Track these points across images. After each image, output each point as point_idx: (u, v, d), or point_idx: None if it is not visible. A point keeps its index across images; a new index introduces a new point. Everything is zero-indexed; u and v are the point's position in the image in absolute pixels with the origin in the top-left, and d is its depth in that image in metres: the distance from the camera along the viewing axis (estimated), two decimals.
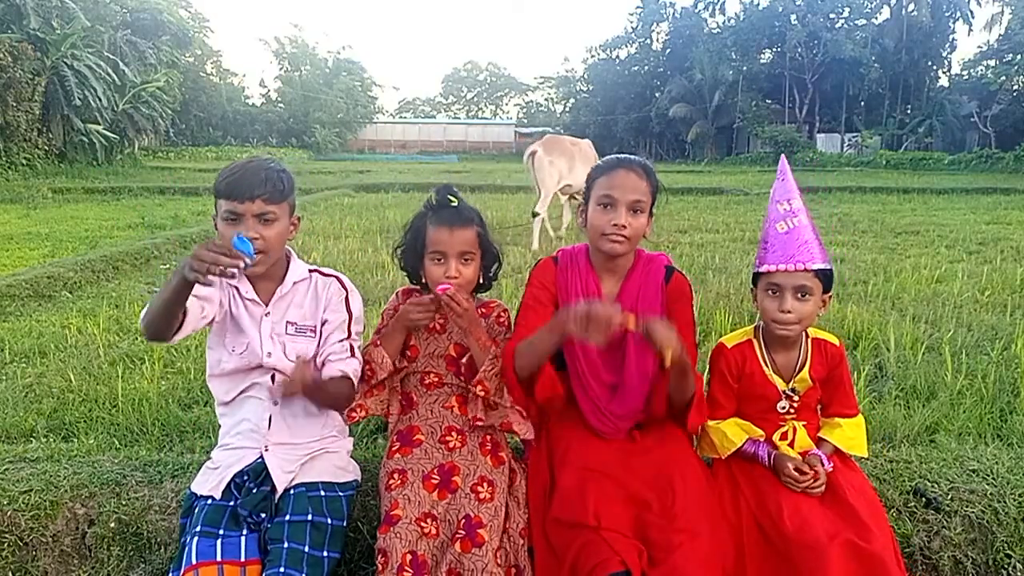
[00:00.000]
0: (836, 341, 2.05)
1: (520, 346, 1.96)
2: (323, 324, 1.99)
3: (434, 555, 1.77)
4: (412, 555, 1.74)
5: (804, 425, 2.04)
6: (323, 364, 1.96)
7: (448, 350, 2.05)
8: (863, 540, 1.70)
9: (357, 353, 2.00)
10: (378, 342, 2.02)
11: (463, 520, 1.81)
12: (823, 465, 1.90)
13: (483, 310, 2.09)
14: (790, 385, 2.01)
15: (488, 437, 2.01)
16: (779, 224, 1.93)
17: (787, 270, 1.90)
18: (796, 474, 1.87)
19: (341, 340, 1.98)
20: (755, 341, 2.05)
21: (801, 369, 2.01)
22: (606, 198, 1.96)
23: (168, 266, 6.63)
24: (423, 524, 1.80)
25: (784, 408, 2.02)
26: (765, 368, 2.01)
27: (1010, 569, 2.13)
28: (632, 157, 2.05)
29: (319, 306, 2.00)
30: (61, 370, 3.52)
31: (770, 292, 1.94)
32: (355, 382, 1.97)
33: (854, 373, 3.25)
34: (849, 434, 2.01)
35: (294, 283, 1.99)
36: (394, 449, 2.01)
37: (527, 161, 8.45)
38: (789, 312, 1.90)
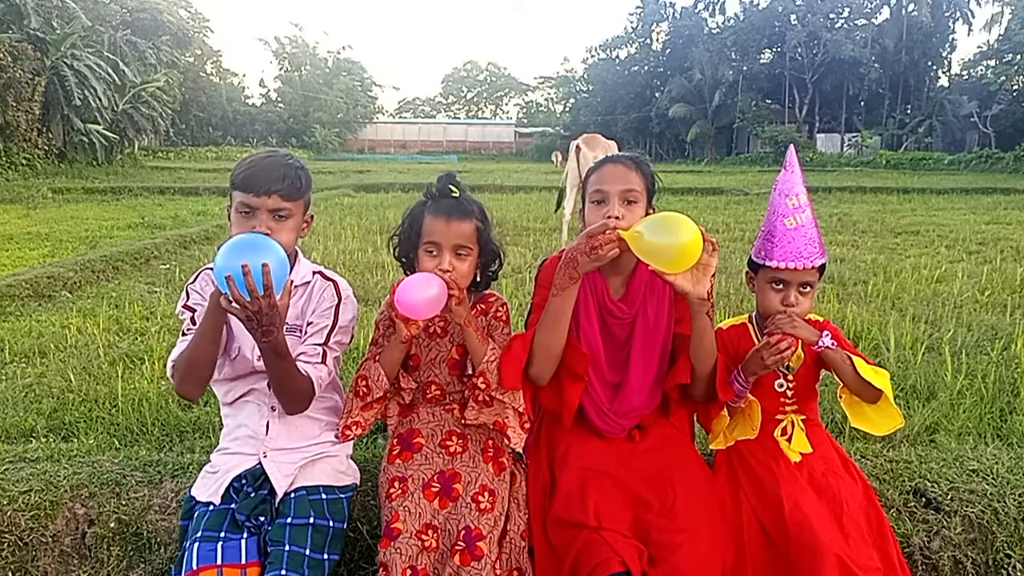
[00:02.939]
0: (820, 318, 2.07)
1: (538, 327, 1.92)
2: (307, 324, 1.95)
3: (435, 568, 1.75)
4: (412, 570, 1.73)
5: (804, 420, 2.04)
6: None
7: (451, 353, 1.99)
8: (858, 566, 1.69)
9: (329, 362, 1.94)
10: (376, 357, 1.95)
11: (463, 531, 1.78)
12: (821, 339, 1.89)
13: (482, 305, 2.02)
14: (784, 364, 2.02)
15: (490, 442, 1.96)
16: (788, 220, 1.92)
17: (795, 268, 1.91)
18: (762, 352, 1.86)
19: (317, 344, 1.92)
20: (749, 325, 2.09)
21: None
22: (597, 194, 1.94)
23: (168, 266, 6.62)
24: (424, 537, 1.78)
25: (782, 386, 2.03)
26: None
27: (1010, 569, 2.13)
28: (623, 153, 2.04)
29: (311, 307, 1.96)
30: (61, 370, 3.52)
31: (774, 285, 1.95)
32: (316, 388, 1.90)
33: None
34: (876, 418, 1.99)
35: (295, 285, 1.93)
36: (394, 453, 1.97)
37: (572, 157, 8.57)
38: (794, 306, 1.93)
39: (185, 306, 1.91)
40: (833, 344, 1.90)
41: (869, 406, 1.97)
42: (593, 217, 1.93)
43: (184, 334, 1.88)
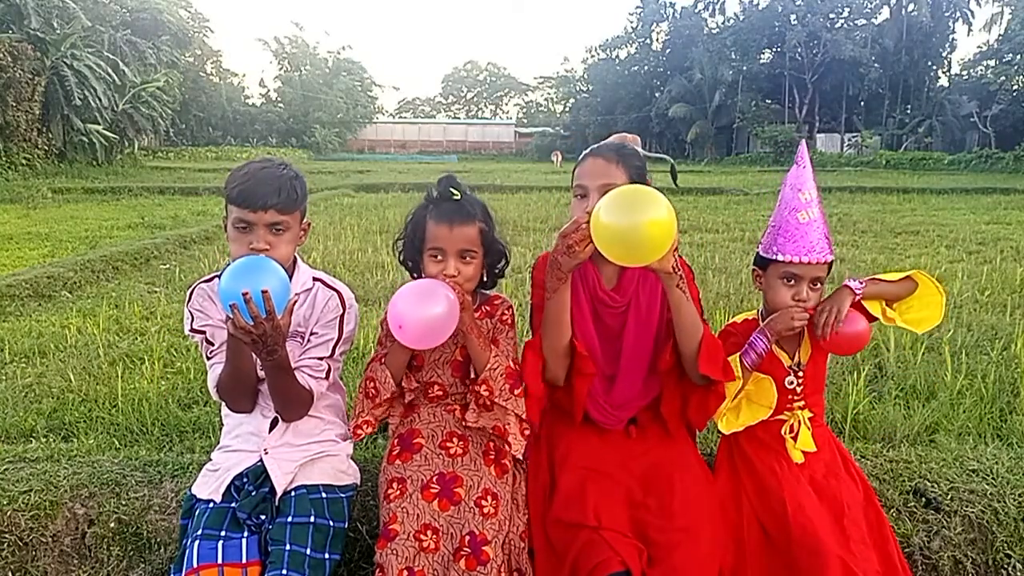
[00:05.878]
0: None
1: (541, 332, 1.92)
2: (311, 334, 1.94)
3: (434, 570, 1.74)
4: (409, 571, 1.71)
5: (810, 418, 2.03)
6: (295, 370, 1.91)
7: (454, 355, 1.98)
8: (860, 569, 1.69)
9: (333, 376, 1.96)
10: (382, 359, 1.94)
11: (467, 537, 1.77)
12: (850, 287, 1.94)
13: (487, 308, 2.01)
14: (795, 360, 2.03)
15: (491, 444, 1.95)
16: (800, 214, 1.92)
17: (808, 262, 1.90)
18: (792, 311, 1.90)
19: (321, 357, 1.92)
20: (760, 320, 2.08)
21: (801, 342, 2.03)
22: (579, 188, 1.92)
23: (168, 266, 6.62)
24: (422, 537, 1.77)
25: (791, 383, 2.02)
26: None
27: (1010, 569, 2.13)
28: (606, 143, 1.99)
29: (314, 316, 1.95)
30: (61, 370, 3.52)
31: (786, 281, 1.94)
32: (315, 399, 1.92)
33: (853, 373, 3.26)
34: (925, 310, 2.01)
35: (295, 294, 1.91)
36: (394, 454, 1.96)
37: None
38: (805, 301, 1.93)
39: (193, 330, 1.92)
40: (862, 284, 1.94)
41: (915, 302, 2.01)
42: (577, 212, 1.89)
43: (209, 358, 1.91)
